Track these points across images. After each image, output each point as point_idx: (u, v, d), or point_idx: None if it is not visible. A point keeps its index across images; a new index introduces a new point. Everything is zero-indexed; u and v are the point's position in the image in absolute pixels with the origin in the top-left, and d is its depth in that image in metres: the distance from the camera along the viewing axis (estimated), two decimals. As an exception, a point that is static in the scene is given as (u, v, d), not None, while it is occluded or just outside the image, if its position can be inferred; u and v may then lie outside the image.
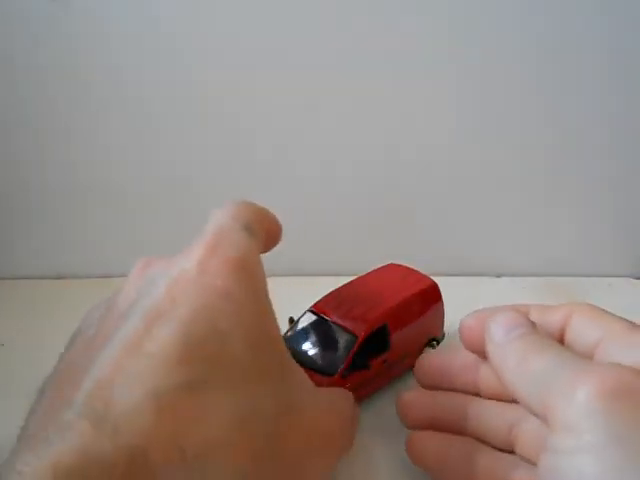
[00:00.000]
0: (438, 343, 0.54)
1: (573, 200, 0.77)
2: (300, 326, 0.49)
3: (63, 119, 0.75)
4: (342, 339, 0.45)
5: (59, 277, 0.80)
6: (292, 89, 0.73)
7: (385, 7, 0.69)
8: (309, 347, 0.47)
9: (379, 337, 0.47)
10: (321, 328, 0.47)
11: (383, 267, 0.54)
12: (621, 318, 0.36)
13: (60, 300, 0.75)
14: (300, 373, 0.35)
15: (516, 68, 0.71)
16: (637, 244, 0.79)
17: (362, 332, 0.45)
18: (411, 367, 0.46)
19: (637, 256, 0.79)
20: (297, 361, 0.36)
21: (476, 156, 0.75)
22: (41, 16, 0.70)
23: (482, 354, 0.38)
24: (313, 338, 0.47)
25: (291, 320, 0.50)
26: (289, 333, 0.49)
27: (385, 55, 0.70)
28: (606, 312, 0.37)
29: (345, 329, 0.46)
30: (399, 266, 0.54)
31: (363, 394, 0.47)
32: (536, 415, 0.31)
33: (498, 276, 0.79)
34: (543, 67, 0.71)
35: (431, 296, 0.52)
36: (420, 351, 0.52)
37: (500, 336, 0.34)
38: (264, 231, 0.38)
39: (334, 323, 0.46)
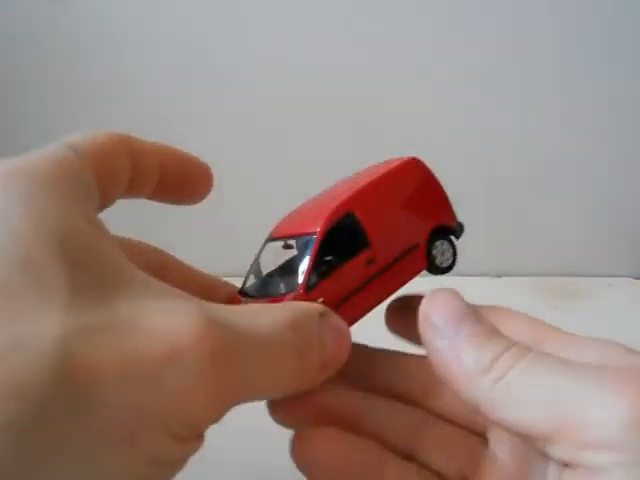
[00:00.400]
0: (457, 235, 0.41)
1: (573, 201, 0.77)
2: (263, 262, 0.39)
3: (63, 119, 0.75)
4: (302, 249, 0.36)
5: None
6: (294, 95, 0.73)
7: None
8: (275, 277, 0.38)
9: (349, 231, 0.36)
10: (284, 252, 0.38)
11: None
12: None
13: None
14: (143, 284, 0.25)
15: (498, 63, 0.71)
16: (637, 244, 0.79)
17: (319, 227, 0.35)
18: (415, 274, 0.37)
19: (637, 256, 0.79)
20: (267, 299, 0.32)
21: (477, 157, 0.75)
22: (41, 16, 0.70)
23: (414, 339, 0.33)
24: (277, 265, 0.38)
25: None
26: (249, 280, 0.39)
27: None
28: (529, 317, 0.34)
29: (302, 235, 0.36)
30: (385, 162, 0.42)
31: (357, 313, 0.35)
32: (522, 435, 0.27)
33: (498, 276, 0.79)
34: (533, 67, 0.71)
35: (412, 172, 0.40)
36: (427, 245, 0.39)
37: (447, 332, 0.29)
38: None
39: (291, 236, 0.37)
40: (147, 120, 0.75)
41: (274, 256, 0.39)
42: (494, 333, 0.29)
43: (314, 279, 0.34)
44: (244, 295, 0.36)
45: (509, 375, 0.27)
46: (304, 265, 0.34)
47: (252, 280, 0.38)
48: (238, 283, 0.37)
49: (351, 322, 0.34)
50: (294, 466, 0.32)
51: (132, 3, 0.70)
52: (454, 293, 0.31)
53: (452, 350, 0.29)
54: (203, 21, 0.71)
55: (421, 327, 0.30)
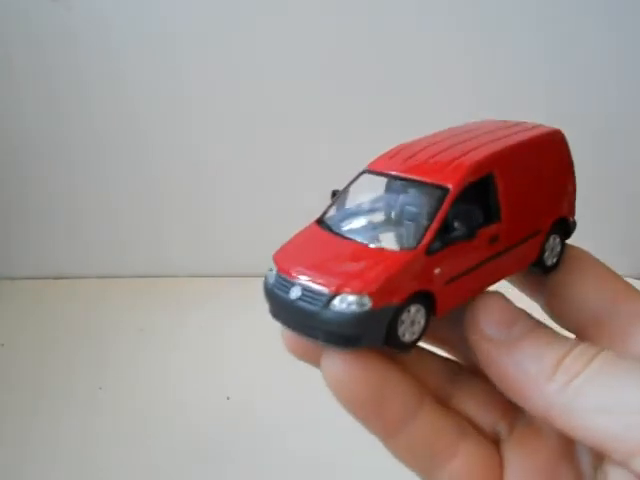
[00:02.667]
0: (570, 234, 0.35)
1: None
2: (352, 195, 0.32)
3: (63, 119, 0.75)
4: (423, 199, 0.29)
5: (59, 277, 0.80)
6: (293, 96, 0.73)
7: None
8: (367, 219, 0.31)
9: (483, 195, 0.30)
10: (390, 188, 0.31)
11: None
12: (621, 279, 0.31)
13: (60, 300, 0.75)
14: None
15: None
16: (637, 244, 0.79)
17: (456, 181, 0.28)
18: (525, 265, 0.31)
19: (637, 256, 0.79)
20: (345, 241, 0.27)
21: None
22: (41, 16, 0.70)
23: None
24: (374, 207, 0.31)
25: (334, 194, 0.32)
26: (331, 210, 0.32)
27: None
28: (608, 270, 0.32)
29: (427, 183, 0.29)
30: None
31: (458, 298, 0.29)
32: (597, 447, 0.24)
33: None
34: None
35: (555, 147, 0.34)
36: (546, 235, 0.33)
37: (501, 337, 0.26)
38: None
39: (408, 178, 0.29)
40: (147, 121, 0.75)
41: (374, 192, 0.31)
42: (553, 334, 0.27)
43: (437, 244, 0.27)
44: (325, 227, 0.30)
45: (582, 377, 0.24)
46: (427, 221, 0.28)
47: (337, 214, 0.31)
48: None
49: (453, 306, 0.28)
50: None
51: (132, 3, 0.70)
52: (502, 296, 0.28)
53: (509, 357, 0.26)
54: (202, 21, 0.71)
55: (471, 336, 0.28)
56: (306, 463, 0.52)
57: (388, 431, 0.28)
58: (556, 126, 0.34)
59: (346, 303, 0.26)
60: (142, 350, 0.67)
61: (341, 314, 0.26)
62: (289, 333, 0.28)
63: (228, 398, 0.59)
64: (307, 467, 0.52)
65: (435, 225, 0.27)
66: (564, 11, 0.69)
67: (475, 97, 0.72)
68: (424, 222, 0.28)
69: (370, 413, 0.27)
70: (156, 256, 0.80)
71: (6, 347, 0.66)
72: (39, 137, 0.76)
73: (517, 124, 0.34)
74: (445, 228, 0.28)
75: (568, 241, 0.34)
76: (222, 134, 0.76)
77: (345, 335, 0.26)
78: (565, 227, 0.34)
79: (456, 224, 0.28)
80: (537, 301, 0.33)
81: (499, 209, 0.30)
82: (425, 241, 0.27)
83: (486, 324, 0.27)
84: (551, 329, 0.27)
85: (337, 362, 0.26)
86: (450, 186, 0.28)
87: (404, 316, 0.27)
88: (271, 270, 0.29)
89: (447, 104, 0.69)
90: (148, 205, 0.78)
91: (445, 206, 0.28)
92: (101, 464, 0.52)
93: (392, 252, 0.27)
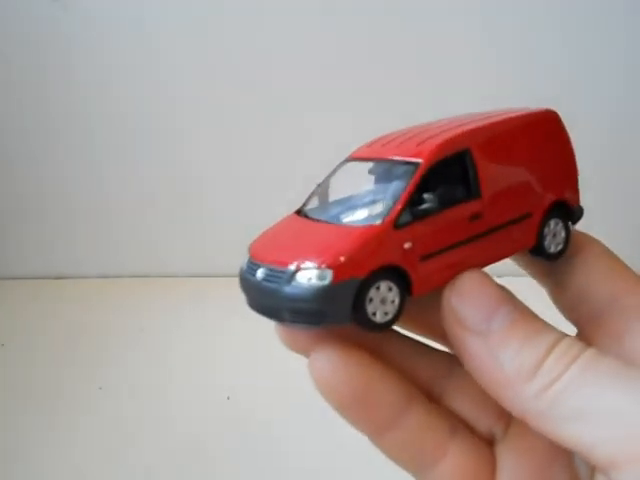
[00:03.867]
0: (575, 220, 0.34)
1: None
2: (332, 185, 0.32)
3: (63, 120, 0.75)
4: (395, 176, 0.28)
5: (59, 277, 0.80)
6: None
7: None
8: (343, 204, 0.31)
9: (460, 171, 0.29)
10: (367, 174, 0.31)
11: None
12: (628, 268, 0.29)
13: (60, 300, 0.75)
14: None
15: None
16: (637, 244, 0.79)
17: (426, 156, 0.28)
18: (518, 249, 0.31)
19: (637, 256, 0.79)
20: (316, 224, 0.27)
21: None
22: (41, 16, 0.70)
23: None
24: (352, 192, 0.31)
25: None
26: (311, 201, 0.32)
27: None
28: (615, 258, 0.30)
29: (399, 161, 0.29)
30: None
31: (440, 277, 0.27)
32: (578, 454, 0.22)
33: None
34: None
35: (546, 126, 0.33)
36: (542, 218, 0.31)
37: (478, 326, 0.24)
38: None
39: (383, 160, 0.30)
40: (146, 121, 0.75)
41: (352, 179, 0.32)
42: (536, 325, 0.24)
43: (406, 217, 0.27)
44: (302, 215, 0.30)
45: (561, 382, 0.22)
46: (395, 196, 0.27)
47: (316, 202, 0.31)
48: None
49: (433, 286, 0.27)
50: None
51: (132, 4, 0.70)
52: (484, 276, 0.26)
53: (487, 350, 0.24)
54: (202, 20, 0.71)
55: (447, 321, 0.25)
56: (306, 463, 0.52)
57: (376, 430, 0.27)
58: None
59: (306, 278, 0.25)
60: (142, 350, 0.67)
61: (303, 289, 0.25)
62: (282, 326, 0.27)
63: (228, 398, 0.59)
64: (307, 467, 0.52)
65: (403, 198, 0.27)
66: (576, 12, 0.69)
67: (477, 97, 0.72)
68: (393, 197, 0.27)
69: (357, 413, 0.26)
70: (156, 256, 0.80)
71: (6, 347, 0.66)
72: (39, 137, 0.76)
73: (509, 109, 0.33)
74: (416, 202, 0.27)
75: (583, 229, 0.33)
76: (224, 134, 0.76)
77: (309, 311, 0.26)
78: (568, 212, 0.33)
79: (426, 196, 0.27)
80: (544, 288, 0.32)
81: (478, 185, 0.29)
82: (392, 214, 0.26)
83: (463, 309, 0.24)
84: (535, 317, 0.25)
85: (324, 361, 0.26)
86: (420, 160, 0.28)
87: (372, 293, 0.26)
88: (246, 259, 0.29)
89: (444, 106, 0.69)
90: (148, 205, 0.78)
91: (414, 179, 0.27)
92: (101, 464, 0.52)
93: (358, 227, 0.27)
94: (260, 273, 0.27)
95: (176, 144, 0.76)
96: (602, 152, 0.74)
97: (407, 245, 0.26)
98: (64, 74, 0.73)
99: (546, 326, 0.25)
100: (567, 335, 0.24)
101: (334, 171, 0.31)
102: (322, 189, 0.31)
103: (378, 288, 0.26)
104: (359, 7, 0.69)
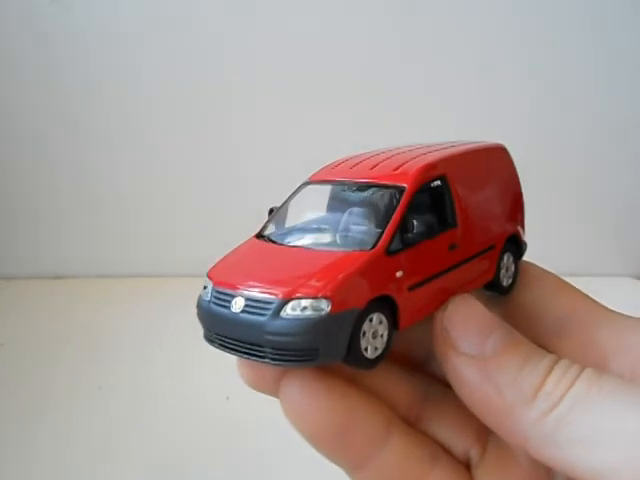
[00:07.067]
0: (522, 253, 0.33)
1: (573, 201, 0.77)
2: (292, 208, 0.29)
3: (63, 120, 0.75)
4: (377, 200, 0.27)
5: (59, 277, 0.80)
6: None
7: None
8: (313, 227, 0.28)
9: (438, 198, 0.28)
10: (335, 197, 0.29)
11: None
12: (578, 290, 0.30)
13: (60, 300, 0.75)
14: None
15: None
16: (637, 244, 0.79)
17: (410, 180, 0.26)
18: (484, 281, 0.30)
19: (637, 256, 0.79)
20: (291, 249, 0.25)
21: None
22: (41, 16, 0.70)
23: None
24: (319, 216, 0.29)
25: (271, 211, 0.30)
26: (270, 225, 0.29)
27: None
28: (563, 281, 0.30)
29: (380, 185, 0.27)
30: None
31: (426, 308, 0.26)
32: None
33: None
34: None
35: (501, 159, 0.33)
36: (500, 251, 0.31)
37: (473, 350, 0.23)
38: None
39: (360, 183, 0.28)
40: (147, 121, 0.75)
41: (317, 202, 0.29)
42: (530, 348, 0.24)
43: (397, 244, 0.25)
44: (266, 240, 0.28)
45: (563, 404, 0.21)
46: (381, 220, 0.25)
47: (279, 226, 0.29)
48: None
49: (416, 318, 0.25)
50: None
51: (132, 4, 0.70)
52: (475, 301, 0.25)
53: (483, 375, 0.23)
54: (202, 20, 0.71)
55: (439, 346, 0.24)
56: (306, 463, 0.52)
57: (354, 463, 0.25)
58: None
59: (300, 309, 0.23)
60: (142, 350, 0.67)
61: (294, 322, 0.23)
62: (244, 362, 0.25)
63: (228, 398, 0.59)
64: (307, 467, 0.52)
65: (393, 223, 0.25)
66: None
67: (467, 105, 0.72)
68: (381, 222, 0.25)
69: (335, 445, 0.25)
70: (156, 256, 0.80)
71: (6, 347, 0.66)
72: (39, 138, 0.76)
73: (458, 141, 0.33)
74: (404, 228, 0.25)
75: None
76: (226, 134, 0.76)
77: (299, 349, 0.23)
78: (517, 246, 0.32)
79: (415, 223, 0.26)
80: (497, 307, 0.31)
81: (455, 213, 0.28)
82: (384, 239, 0.25)
83: (457, 333, 0.24)
84: (527, 340, 0.24)
85: (296, 391, 0.24)
86: (406, 185, 0.26)
87: (365, 326, 0.24)
88: (205, 288, 0.26)
89: (433, 118, 0.69)
90: (149, 205, 0.78)
91: (402, 203, 0.26)
92: (101, 463, 0.52)
93: (347, 253, 0.24)
94: (237, 304, 0.24)
95: (178, 144, 0.76)
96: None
97: (399, 274, 0.25)
98: (67, 74, 0.73)
99: (539, 349, 0.24)
100: (561, 359, 0.24)
101: (294, 194, 0.30)
102: (282, 213, 0.29)
103: (371, 320, 0.24)
104: (355, 9, 0.69)
